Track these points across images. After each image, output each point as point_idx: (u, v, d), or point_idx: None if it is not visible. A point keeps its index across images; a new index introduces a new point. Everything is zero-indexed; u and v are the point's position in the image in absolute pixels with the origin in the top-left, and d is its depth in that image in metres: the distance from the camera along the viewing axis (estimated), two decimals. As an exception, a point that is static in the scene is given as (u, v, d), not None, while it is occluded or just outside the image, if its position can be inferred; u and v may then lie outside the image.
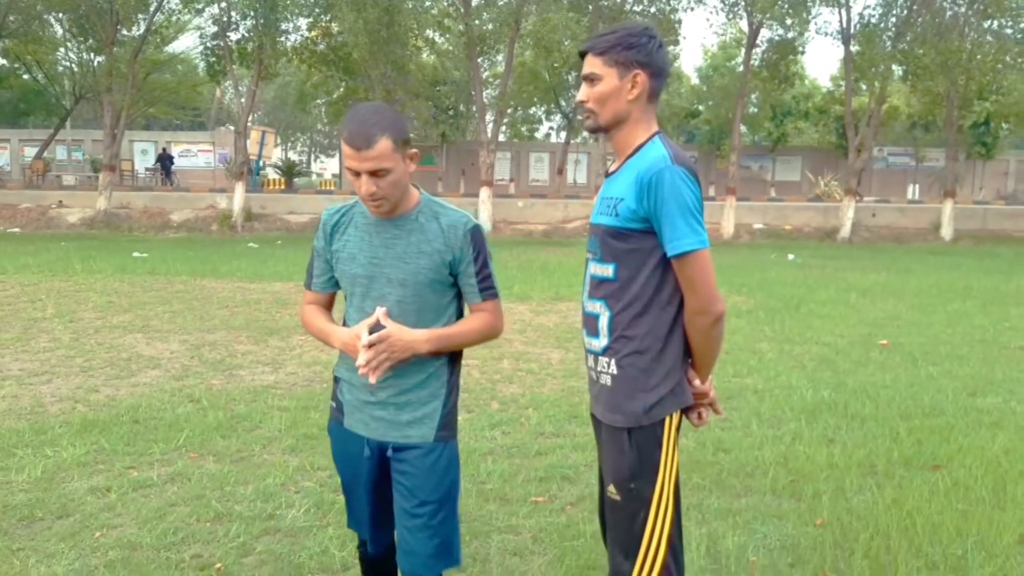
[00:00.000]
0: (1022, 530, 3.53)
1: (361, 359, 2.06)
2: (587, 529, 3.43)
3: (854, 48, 21.85)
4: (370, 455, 2.23)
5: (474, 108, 24.96)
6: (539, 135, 43.42)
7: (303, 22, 23.29)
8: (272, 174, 38.31)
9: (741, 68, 25.25)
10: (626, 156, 2.08)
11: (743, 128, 24.59)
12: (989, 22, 20.74)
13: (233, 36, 22.00)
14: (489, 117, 25.36)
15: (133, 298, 9.95)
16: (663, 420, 2.05)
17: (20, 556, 3.16)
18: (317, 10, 22.25)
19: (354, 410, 2.24)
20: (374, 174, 2.04)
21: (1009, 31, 21.12)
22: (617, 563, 2.10)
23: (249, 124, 23.83)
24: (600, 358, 2.10)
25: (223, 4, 21.53)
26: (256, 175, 32.36)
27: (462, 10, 21.47)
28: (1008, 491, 3.96)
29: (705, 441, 4.64)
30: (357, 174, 2.06)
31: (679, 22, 22.49)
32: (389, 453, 2.20)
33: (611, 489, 2.09)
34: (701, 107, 38.79)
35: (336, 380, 2.32)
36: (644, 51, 2.02)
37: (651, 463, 2.04)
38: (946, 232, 22.27)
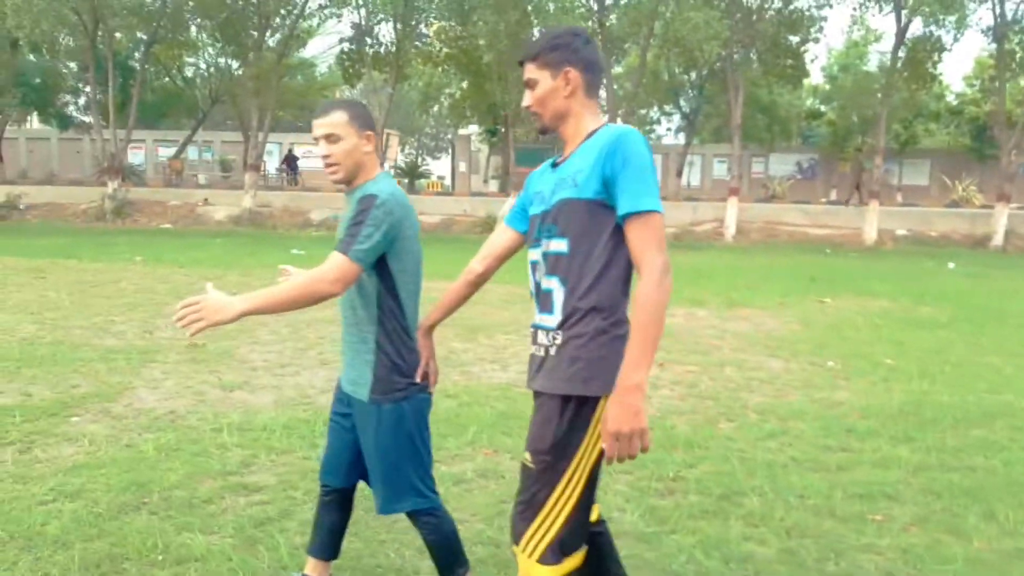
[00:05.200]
0: None
1: (175, 315, 2.22)
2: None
3: (1010, 46, 20.67)
4: (342, 398, 2.58)
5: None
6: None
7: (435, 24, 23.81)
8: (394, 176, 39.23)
9: (875, 68, 24.31)
10: (578, 143, 2.14)
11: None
12: None
13: (369, 40, 22.65)
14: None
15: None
16: (599, 398, 2.03)
17: None
18: (448, 13, 22.66)
19: (342, 363, 2.59)
20: (327, 138, 2.37)
21: None
22: (515, 521, 2.15)
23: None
24: (551, 332, 2.13)
25: (362, 10, 22.15)
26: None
27: None
28: None
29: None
30: (318, 142, 2.40)
31: (824, 19, 21.72)
32: (347, 401, 2.53)
33: (527, 456, 2.12)
34: (823, 107, 37.59)
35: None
36: (570, 50, 2.13)
37: (575, 440, 2.06)
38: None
